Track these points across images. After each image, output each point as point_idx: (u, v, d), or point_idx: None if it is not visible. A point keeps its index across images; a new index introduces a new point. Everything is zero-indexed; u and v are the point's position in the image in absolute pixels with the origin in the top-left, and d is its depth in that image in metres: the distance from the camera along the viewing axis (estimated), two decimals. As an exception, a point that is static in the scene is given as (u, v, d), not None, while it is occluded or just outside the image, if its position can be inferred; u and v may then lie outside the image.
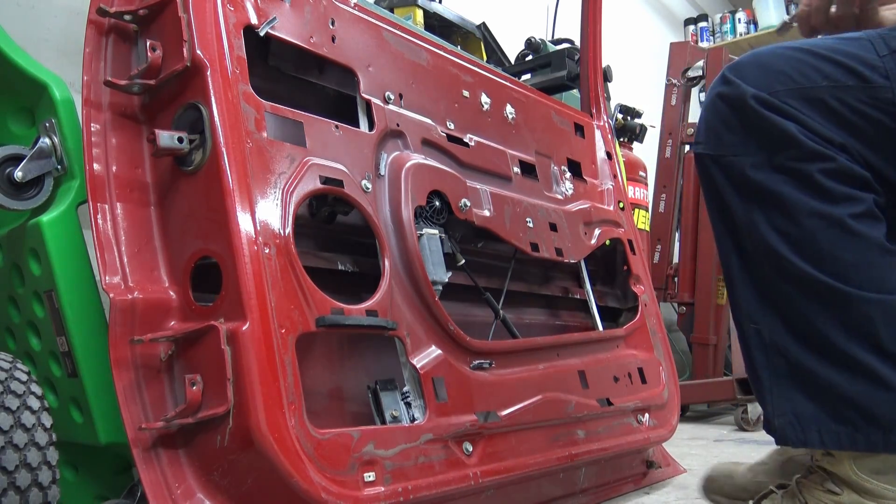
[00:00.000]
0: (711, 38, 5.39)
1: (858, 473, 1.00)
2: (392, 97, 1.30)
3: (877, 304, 0.95)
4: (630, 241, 1.84)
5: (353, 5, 1.30)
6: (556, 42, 2.50)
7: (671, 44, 3.48)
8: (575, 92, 2.14)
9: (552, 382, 1.39)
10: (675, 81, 3.36)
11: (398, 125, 1.29)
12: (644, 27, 4.88)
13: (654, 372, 1.70)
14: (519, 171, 1.55)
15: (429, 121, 1.36)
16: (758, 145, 1.01)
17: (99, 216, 1.03)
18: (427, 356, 1.17)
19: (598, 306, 1.73)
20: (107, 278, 1.01)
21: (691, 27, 5.47)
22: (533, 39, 2.32)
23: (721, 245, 1.09)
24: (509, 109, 1.59)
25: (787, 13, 5.11)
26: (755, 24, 5.25)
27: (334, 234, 1.29)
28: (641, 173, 3.16)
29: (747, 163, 1.01)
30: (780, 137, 0.99)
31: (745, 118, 1.01)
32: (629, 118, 3.13)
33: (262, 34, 1.12)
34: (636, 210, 3.01)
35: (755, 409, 2.67)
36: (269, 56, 1.21)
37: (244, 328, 0.94)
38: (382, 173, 1.23)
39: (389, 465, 1.04)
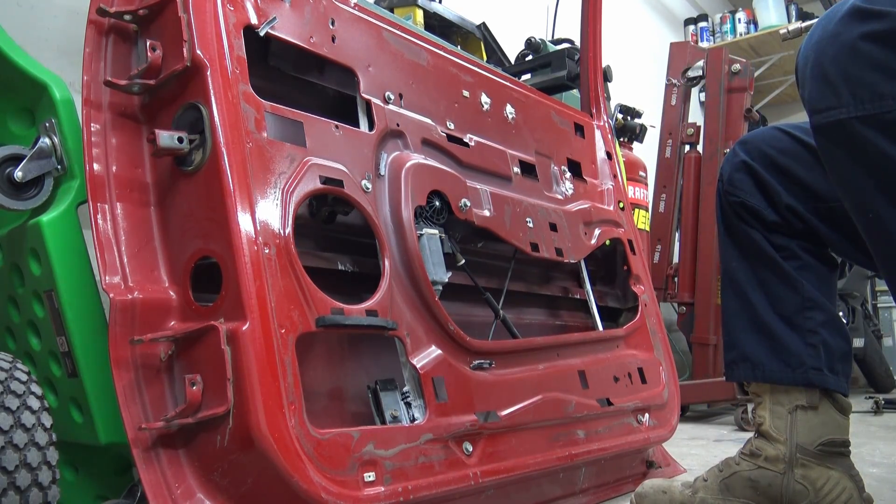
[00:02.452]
0: (711, 38, 5.38)
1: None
2: (392, 97, 1.30)
3: None
4: (630, 241, 1.84)
5: (353, 5, 1.30)
6: (556, 42, 2.50)
7: (671, 44, 3.48)
8: (575, 92, 2.14)
9: (552, 382, 1.39)
10: (675, 81, 3.36)
11: (398, 125, 1.29)
12: (644, 27, 4.88)
13: (654, 372, 1.70)
14: (519, 171, 1.55)
15: (429, 121, 1.36)
16: None
17: (99, 216, 1.03)
18: (427, 356, 1.17)
19: (598, 306, 1.73)
20: (107, 278, 1.01)
21: (691, 27, 5.47)
22: (533, 39, 2.32)
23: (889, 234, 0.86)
24: (509, 109, 1.59)
25: (787, 13, 5.12)
26: (755, 24, 5.24)
27: (334, 234, 1.29)
28: (641, 173, 3.16)
29: None
30: None
31: None
32: (629, 118, 3.12)
33: (262, 34, 1.12)
34: (636, 210, 3.01)
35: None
36: (269, 56, 1.21)
37: (244, 328, 0.94)
38: (382, 173, 1.23)
39: (389, 465, 1.04)
